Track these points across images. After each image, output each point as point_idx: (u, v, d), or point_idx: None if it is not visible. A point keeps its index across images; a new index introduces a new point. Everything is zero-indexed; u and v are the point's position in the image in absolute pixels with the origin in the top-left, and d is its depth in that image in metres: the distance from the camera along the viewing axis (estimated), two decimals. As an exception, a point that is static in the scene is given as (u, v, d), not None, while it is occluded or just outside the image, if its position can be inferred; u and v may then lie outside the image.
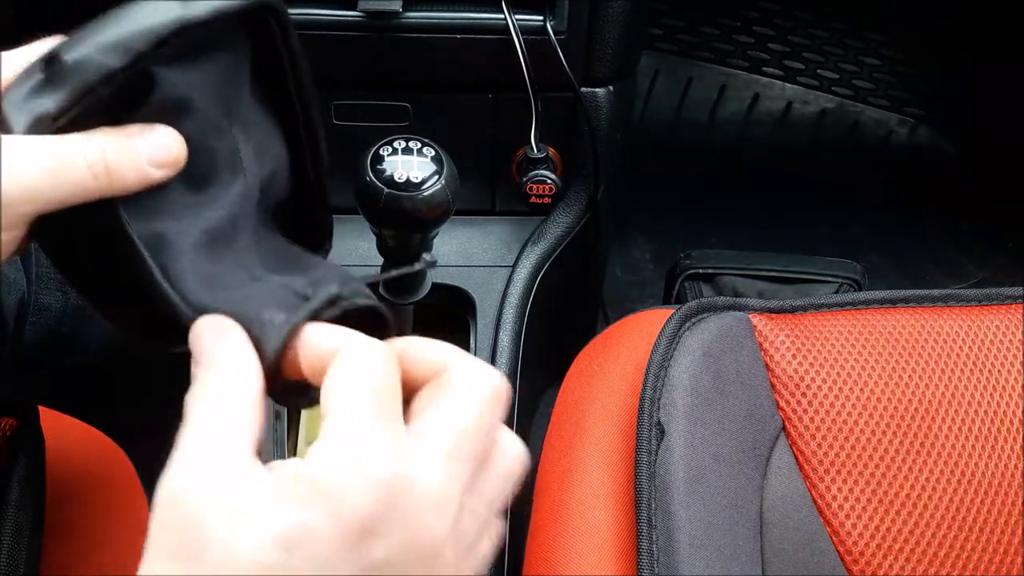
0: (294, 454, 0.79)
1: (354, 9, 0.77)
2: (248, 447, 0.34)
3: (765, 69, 1.48)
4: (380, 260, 0.70)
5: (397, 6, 0.77)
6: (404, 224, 0.64)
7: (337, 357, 0.36)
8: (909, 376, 0.64)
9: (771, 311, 0.67)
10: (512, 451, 0.38)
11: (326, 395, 0.35)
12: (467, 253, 0.90)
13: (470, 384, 0.36)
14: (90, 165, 0.38)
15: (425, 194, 0.64)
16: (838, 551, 0.61)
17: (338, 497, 0.32)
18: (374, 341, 0.36)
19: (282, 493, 0.32)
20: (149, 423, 0.54)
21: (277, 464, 0.34)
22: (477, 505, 0.36)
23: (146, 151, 0.39)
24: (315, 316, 0.38)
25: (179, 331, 0.39)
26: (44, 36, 0.40)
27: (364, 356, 0.35)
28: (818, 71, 1.47)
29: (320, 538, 0.32)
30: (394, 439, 0.33)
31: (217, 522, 0.32)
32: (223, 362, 0.37)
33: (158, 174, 0.39)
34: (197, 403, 0.36)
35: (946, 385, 0.64)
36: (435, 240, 0.68)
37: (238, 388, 0.36)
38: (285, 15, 0.43)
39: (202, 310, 0.39)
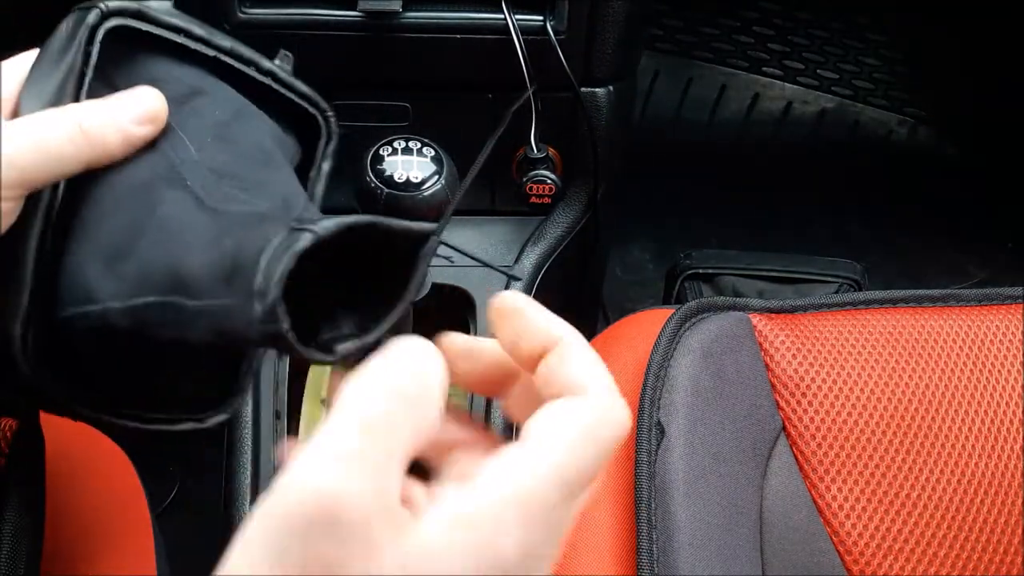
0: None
1: (354, 9, 0.77)
2: (402, 469, 0.28)
3: (765, 69, 1.48)
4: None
5: (397, 6, 0.77)
6: None
7: (594, 401, 0.30)
8: (909, 376, 0.64)
9: (771, 311, 0.67)
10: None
11: (553, 421, 0.30)
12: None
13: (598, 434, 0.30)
14: (68, 134, 0.37)
15: (425, 194, 0.64)
16: (838, 551, 0.61)
17: (500, 566, 0.28)
18: (417, 341, 0.31)
19: (444, 553, 0.27)
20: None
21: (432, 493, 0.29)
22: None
23: (125, 111, 0.38)
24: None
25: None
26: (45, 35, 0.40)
27: (617, 429, 0.30)
28: (818, 71, 1.47)
29: None
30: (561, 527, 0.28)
31: (359, 555, 0.26)
32: (414, 350, 0.30)
33: (141, 131, 0.38)
34: (380, 384, 0.29)
35: (946, 385, 0.64)
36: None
37: (432, 383, 0.30)
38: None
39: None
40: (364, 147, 0.76)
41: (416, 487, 0.30)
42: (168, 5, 0.41)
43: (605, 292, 1.18)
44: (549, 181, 0.86)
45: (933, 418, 0.63)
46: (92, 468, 0.65)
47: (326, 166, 0.45)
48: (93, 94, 0.39)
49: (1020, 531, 0.61)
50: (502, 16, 0.78)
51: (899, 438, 0.62)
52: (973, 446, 0.63)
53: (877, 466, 0.62)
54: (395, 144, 0.77)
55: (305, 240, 0.33)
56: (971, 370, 0.65)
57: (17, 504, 0.53)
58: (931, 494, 0.61)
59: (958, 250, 1.37)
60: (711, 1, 1.46)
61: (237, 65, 0.43)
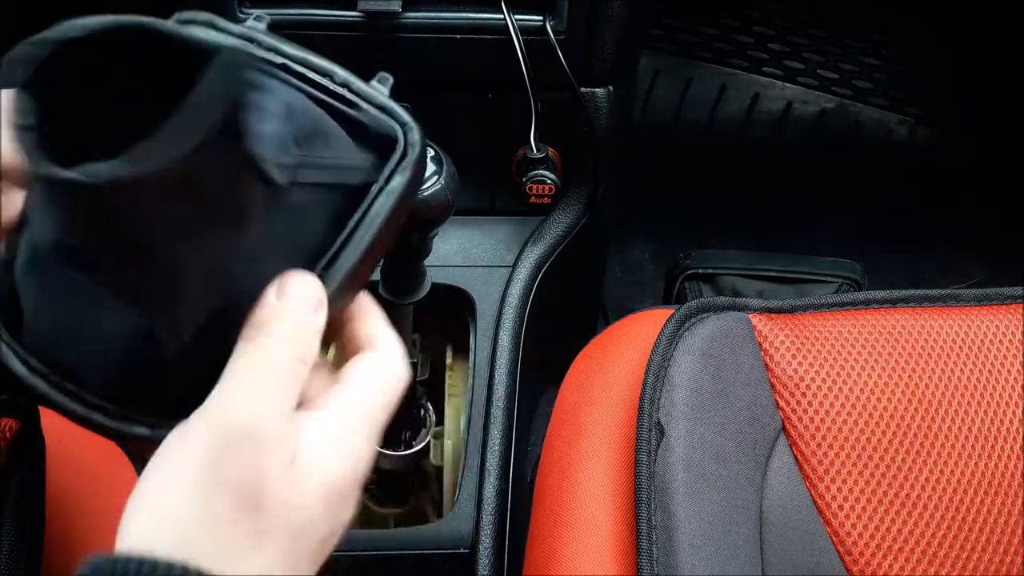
0: None
1: (354, 9, 0.77)
2: (296, 399, 0.37)
3: (765, 69, 1.48)
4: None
5: (397, 6, 0.77)
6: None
7: (384, 352, 0.41)
8: (909, 376, 0.64)
9: (771, 311, 0.67)
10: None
11: (348, 371, 0.40)
12: (467, 253, 0.90)
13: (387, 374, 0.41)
14: None
15: (425, 194, 0.64)
16: (838, 551, 0.61)
17: (360, 460, 0.38)
18: (405, 358, 0.41)
19: (328, 452, 0.37)
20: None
21: (304, 416, 0.38)
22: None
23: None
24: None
25: None
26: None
27: (402, 375, 0.41)
28: (818, 71, 1.47)
29: (344, 499, 0.38)
30: (371, 448, 0.40)
31: (281, 476, 0.35)
32: (311, 304, 0.38)
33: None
34: (267, 333, 0.37)
35: (946, 385, 0.64)
36: (435, 240, 0.68)
37: (312, 337, 0.38)
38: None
39: None
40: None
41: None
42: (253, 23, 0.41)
43: (605, 292, 1.18)
44: (549, 181, 0.86)
45: (933, 418, 0.63)
46: (92, 468, 0.65)
47: (395, 182, 0.40)
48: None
49: (1020, 531, 0.61)
50: (502, 16, 0.78)
51: (899, 438, 0.62)
52: (973, 446, 0.63)
53: (877, 466, 0.62)
54: (395, 144, 0.77)
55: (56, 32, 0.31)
56: (971, 370, 0.65)
57: (17, 504, 0.53)
58: (931, 494, 0.61)
59: (958, 250, 1.37)
60: (711, 1, 1.46)
61: (311, 75, 0.41)
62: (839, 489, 0.61)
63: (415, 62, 0.81)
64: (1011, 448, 0.63)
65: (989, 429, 0.63)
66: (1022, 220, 1.35)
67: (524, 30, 0.78)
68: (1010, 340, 0.66)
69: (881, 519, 0.61)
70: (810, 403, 0.63)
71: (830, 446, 0.62)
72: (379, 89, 0.43)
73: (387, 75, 0.44)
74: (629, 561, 0.58)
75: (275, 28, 0.85)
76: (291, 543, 0.35)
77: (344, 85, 0.42)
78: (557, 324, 0.98)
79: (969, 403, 0.64)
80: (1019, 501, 0.62)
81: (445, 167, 0.73)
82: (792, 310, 0.68)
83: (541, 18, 0.79)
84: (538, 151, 0.84)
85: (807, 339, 0.65)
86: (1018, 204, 1.37)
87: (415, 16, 0.78)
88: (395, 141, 0.41)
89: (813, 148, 1.47)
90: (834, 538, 0.61)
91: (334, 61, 0.42)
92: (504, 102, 0.84)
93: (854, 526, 0.61)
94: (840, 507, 0.61)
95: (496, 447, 0.79)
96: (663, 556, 0.55)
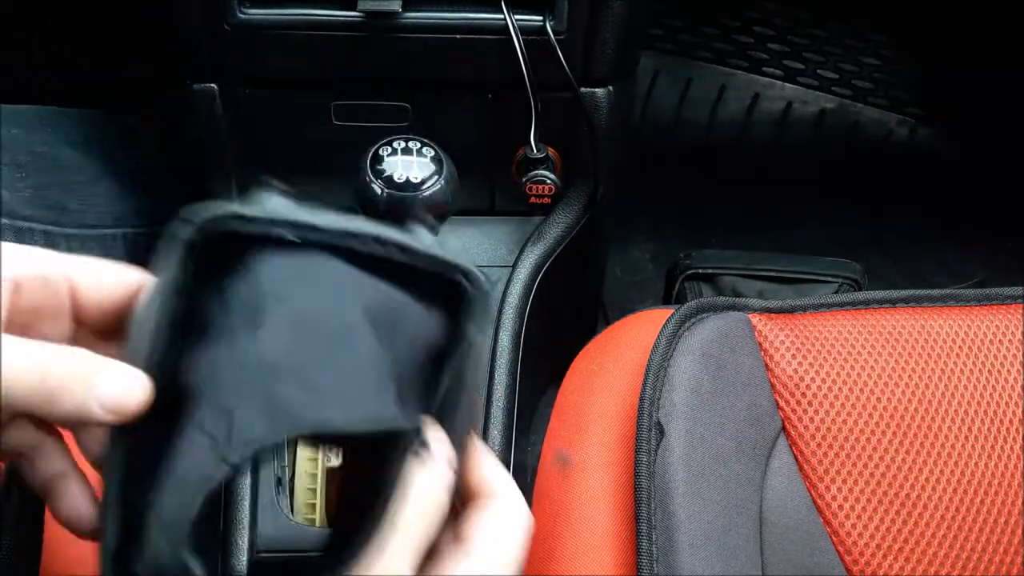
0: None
1: (354, 9, 0.77)
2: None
3: (765, 69, 1.48)
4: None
5: (397, 6, 0.77)
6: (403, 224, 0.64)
7: (504, 501, 0.39)
8: (909, 376, 0.64)
9: (771, 311, 0.67)
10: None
11: (474, 531, 0.38)
12: (467, 253, 0.90)
13: (512, 528, 0.39)
14: (27, 369, 0.34)
15: (424, 194, 0.64)
16: (838, 551, 0.61)
17: None
18: (525, 507, 0.39)
19: None
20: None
21: None
22: None
23: (99, 387, 0.35)
24: None
25: None
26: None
27: (525, 521, 0.39)
28: (818, 71, 1.47)
29: None
30: None
31: None
32: (443, 461, 0.37)
33: (103, 417, 0.35)
34: (415, 500, 0.35)
35: (946, 385, 0.64)
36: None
37: (446, 496, 0.37)
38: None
39: None
40: (364, 147, 0.76)
41: None
42: (281, 199, 0.37)
43: (605, 292, 1.18)
44: (549, 181, 0.86)
45: (933, 418, 0.63)
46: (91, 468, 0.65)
47: (477, 338, 0.38)
48: (203, 308, 0.36)
49: (1020, 531, 0.61)
50: (502, 16, 0.78)
51: (899, 438, 0.62)
52: (973, 446, 0.63)
53: (877, 466, 0.62)
54: (395, 144, 0.77)
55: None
56: (971, 370, 0.65)
57: (16, 505, 0.53)
58: (931, 494, 0.61)
59: (958, 250, 1.37)
60: (711, 1, 1.46)
61: (360, 248, 0.37)
62: (839, 489, 0.61)
63: (415, 62, 0.81)
64: (1011, 448, 0.63)
65: (989, 429, 0.63)
66: (1022, 220, 1.35)
67: (524, 30, 0.78)
68: (1010, 340, 0.66)
69: (881, 519, 0.61)
70: (810, 403, 0.63)
71: (830, 446, 0.62)
72: (422, 236, 0.39)
73: (423, 220, 0.41)
74: (629, 561, 0.58)
75: (276, 28, 0.85)
76: None
77: (395, 245, 0.38)
78: (557, 324, 0.98)
79: (969, 403, 0.64)
80: (1019, 501, 0.62)
81: (445, 167, 0.73)
82: (792, 310, 0.68)
83: (541, 18, 0.79)
84: (538, 151, 0.84)
85: (807, 339, 0.65)
86: (1018, 204, 1.37)
87: (415, 16, 0.78)
88: (459, 288, 0.38)
89: (813, 148, 1.47)
90: (834, 538, 0.61)
91: (366, 218, 0.38)
92: (504, 102, 0.84)
93: (854, 526, 0.61)
94: (840, 507, 0.61)
95: (496, 447, 0.79)
96: (663, 556, 0.55)
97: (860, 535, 0.61)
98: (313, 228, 0.37)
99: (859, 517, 0.61)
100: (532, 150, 0.84)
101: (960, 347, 0.65)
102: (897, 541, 0.61)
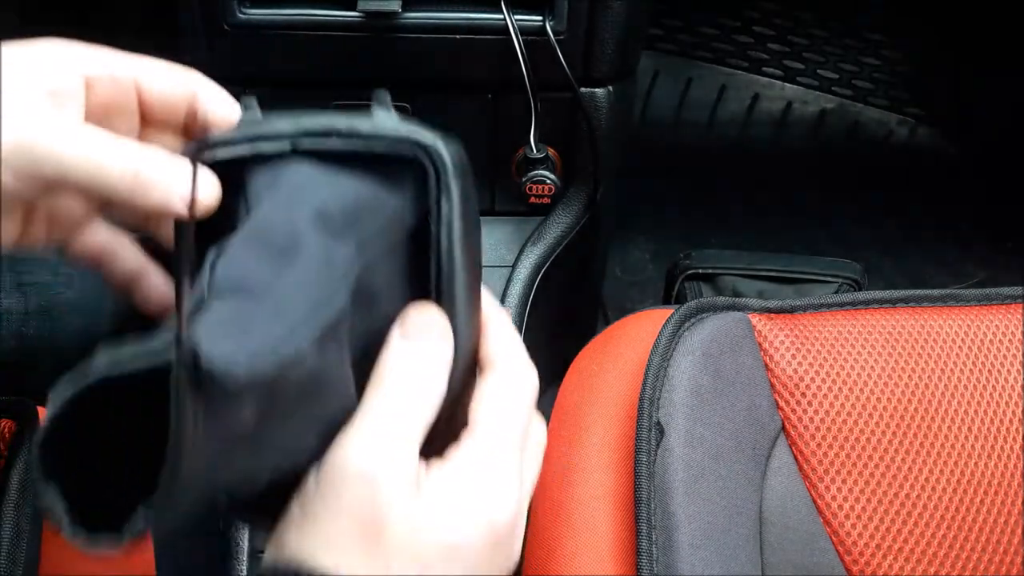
0: None
1: (353, 9, 0.77)
2: (422, 438, 0.37)
3: (765, 69, 1.48)
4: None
5: (396, 6, 0.77)
6: None
7: (500, 371, 0.39)
8: (909, 376, 0.64)
9: (771, 311, 0.67)
10: (540, 438, 0.42)
11: (479, 403, 0.39)
12: None
13: (519, 390, 0.40)
14: (123, 166, 0.38)
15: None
16: (837, 551, 0.61)
17: (493, 519, 0.37)
18: (532, 369, 0.40)
19: (452, 504, 0.36)
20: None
21: (435, 464, 0.37)
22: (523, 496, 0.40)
23: (183, 184, 0.38)
24: None
25: None
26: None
27: (525, 385, 0.40)
28: (818, 71, 1.47)
29: (473, 553, 0.36)
30: (520, 471, 0.39)
31: (400, 518, 0.35)
32: (433, 336, 0.38)
33: (182, 210, 0.38)
34: (396, 376, 0.37)
35: (946, 385, 0.64)
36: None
37: (438, 371, 0.37)
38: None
39: None
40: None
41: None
42: (252, 115, 0.40)
43: (605, 292, 1.18)
44: (549, 181, 0.86)
45: (933, 418, 0.63)
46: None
47: (444, 209, 0.38)
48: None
49: (1020, 531, 0.61)
50: (501, 16, 0.78)
51: (899, 438, 0.62)
52: (973, 446, 0.63)
53: (877, 466, 0.62)
54: (395, 144, 0.77)
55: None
56: (971, 370, 0.65)
57: (16, 504, 0.53)
58: (931, 494, 0.61)
59: (958, 250, 1.37)
60: (711, 1, 1.46)
61: (323, 146, 0.38)
62: (839, 489, 0.61)
63: (415, 62, 0.81)
64: (1011, 448, 0.63)
65: (989, 429, 0.63)
66: (1022, 220, 1.35)
67: (524, 30, 0.78)
68: (1010, 340, 0.66)
69: (881, 519, 0.61)
70: (810, 403, 0.63)
71: (830, 446, 0.62)
72: (385, 117, 0.39)
73: (382, 92, 0.41)
74: (629, 561, 0.58)
75: (275, 28, 0.85)
76: None
77: (351, 135, 0.38)
78: (557, 324, 0.98)
79: (969, 403, 0.64)
80: (1019, 501, 0.62)
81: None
82: (792, 310, 0.68)
83: (541, 18, 0.79)
84: (538, 151, 0.84)
85: (807, 339, 0.65)
86: (1018, 204, 1.37)
87: (415, 16, 0.78)
88: (424, 168, 0.39)
89: (813, 148, 1.47)
90: (834, 538, 0.61)
91: (323, 109, 0.39)
92: (504, 102, 0.84)
93: (854, 526, 0.61)
94: (840, 507, 0.61)
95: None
96: (662, 556, 0.55)
97: (860, 535, 0.61)
98: (276, 136, 0.38)
99: (859, 517, 0.61)
100: (532, 150, 0.84)
101: (960, 347, 0.65)
102: (897, 541, 0.61)
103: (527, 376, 0.40)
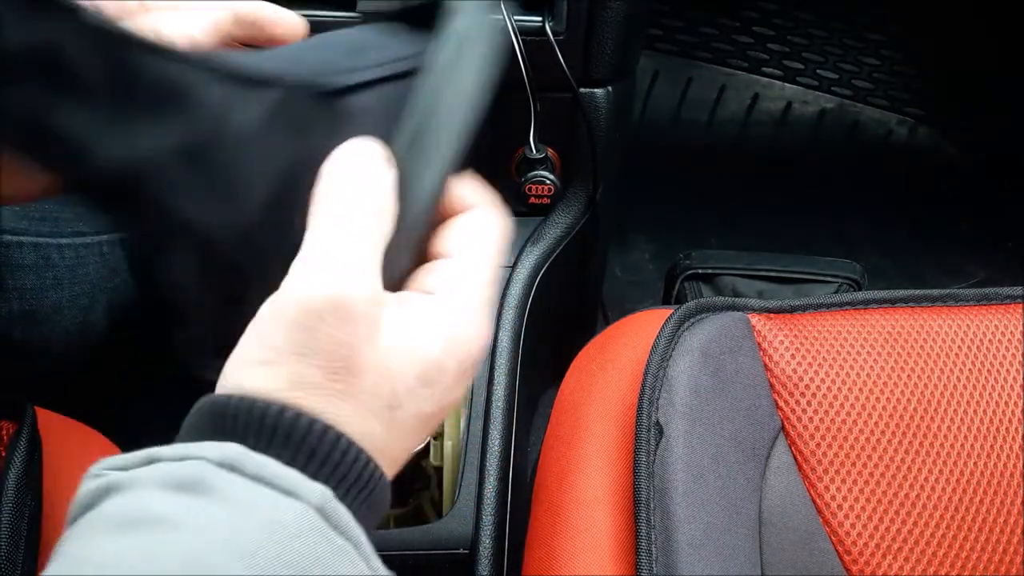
0: None
1: (353, 10, 0.77)
2: (380, 260, 0.37)
3: (765, 69, 1.48)
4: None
5: (396, 7, 0.77)
6: None
7: (479, 210, 0.41)
8: (908, 376, 0.64)
9: (770, 311, 0.67)
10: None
11: (456, 237, 0.40)
12: None
13: (490, 237, 0.41)
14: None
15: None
16: (837, 551, 0.61)
17: (464, 344, 0.38)
18: (498, 214, 0.42)
19: (424, 330, 0.37)
20: (148, 423, 0.54)
21: (407, 295, 0.38)
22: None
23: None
24: None
25: None
26: None
27: (501, 224, 0.41)
28: (818, 71, 1.47)
29: (447, 376, 0.37)
30: (493, 305, 0.39)
31: (370, 346, 0.35)
32: (357, 159, 0.38)
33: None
34: (334, 197, 0.37)
35: (946, 385, 0.64)
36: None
37: (378, 188, 0.38)
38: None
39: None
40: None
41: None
42: None
43: (605, 292, 1.18)
44: (548, 182, 0.86)
45: (933, 418, 0.63)
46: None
47: (439, 60, 0.39)
48: None
49: (1019, 531, 0.61)
50: (501, 16, 0.78)
51: (899, 438, 0.62)
52: (972, 446, 0.62)
53: (876, 466, 0.62)
54: (394, 144, 0.77)
55: None
56: (971, 370, 0.65)
57: (14, 505, 0.53)
58: (931, 494, 0.61)
59: (958, 250, 1.37)
60: (711, 1, 1.46)
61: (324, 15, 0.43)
62: (839, 489, 0.61)
63: (414, 62, 0.81)
64: (1011, 448, 0.63)
65: (989, 429, 0.63)
66: (1022, 220, 1.35)
67: (523, 30, 0.78)
68: (1010, 340, 0.66)
69: (881, 519, 0.61)
70: (809, 403, 0.63)
71: (829, 446, 0.62)
72: None
73: None
74: (628, 561, 0.58)
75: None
76: (388, 412, 0.36)
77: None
78: (557, 324, 0.98)
79: (969, 403, 0.64)
80: (1019, 501, 0.62)
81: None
82: (792, 310, 0.68)
83: (540, 18, 0.79)
84: (537, 152, 0.84)
85: (807, 339, 0.65)
86: (1018, 204, 1.37)
87: (414, 16, 0.78)
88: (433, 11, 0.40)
89: (813, 148, 1.47)
90: (834, 538, 0.61)
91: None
92: (503, 102, 0.84)
93: (853, 526, 0.61)
94: (840, 507, 0.61)
95: (496, 447, 0.79)
96: (662, 556, 0.55)
97: (859, 535, 0.61)
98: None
99: (858, 517, 0.61)
100: (531, 150, 0.84)
101: (960, 347, 0.65)
102: (896, 541, 0.61)
103: (502, 219, 0.42)
